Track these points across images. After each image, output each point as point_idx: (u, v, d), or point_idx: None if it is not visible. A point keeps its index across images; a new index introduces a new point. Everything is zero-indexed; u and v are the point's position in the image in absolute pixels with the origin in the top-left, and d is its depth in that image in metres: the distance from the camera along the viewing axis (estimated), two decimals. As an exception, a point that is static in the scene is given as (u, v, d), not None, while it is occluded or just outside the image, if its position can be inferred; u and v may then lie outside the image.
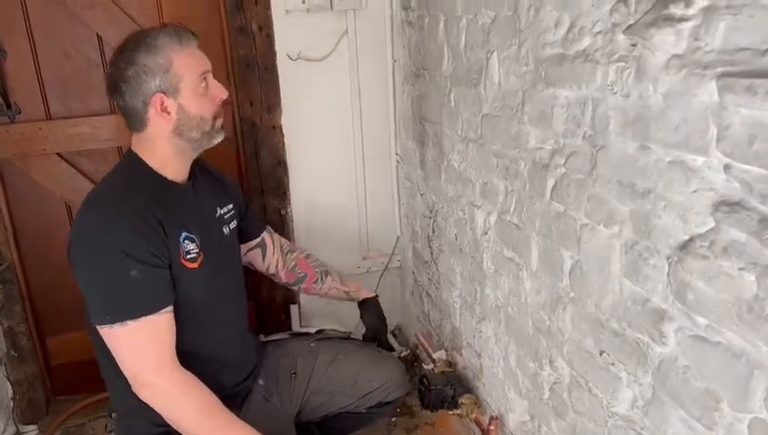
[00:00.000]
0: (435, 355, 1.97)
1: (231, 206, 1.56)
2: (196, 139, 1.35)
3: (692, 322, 0.87)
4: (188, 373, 1.31)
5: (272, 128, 2.09)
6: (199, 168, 1.49)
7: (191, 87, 1.30)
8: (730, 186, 0.78)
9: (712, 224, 0.81)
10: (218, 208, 1.51)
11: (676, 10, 0.82)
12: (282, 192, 2.16)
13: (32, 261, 2.07)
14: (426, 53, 1.84)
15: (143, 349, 1.26)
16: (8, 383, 2.03)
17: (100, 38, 1.94)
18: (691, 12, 0.80)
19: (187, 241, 1.35)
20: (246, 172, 2.15)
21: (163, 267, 1.28)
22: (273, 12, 1.99)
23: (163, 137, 1.33)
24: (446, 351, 1.97)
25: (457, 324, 1.85)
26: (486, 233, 1.55)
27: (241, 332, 1.58)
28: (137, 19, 1.95)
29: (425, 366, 1.96)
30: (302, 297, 2.33)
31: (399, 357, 1.92)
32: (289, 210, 2.20)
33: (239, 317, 1.58)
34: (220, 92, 1.36)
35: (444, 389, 1.73)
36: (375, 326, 1.81)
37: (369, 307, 1.82)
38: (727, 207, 0.78)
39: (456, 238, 1.77)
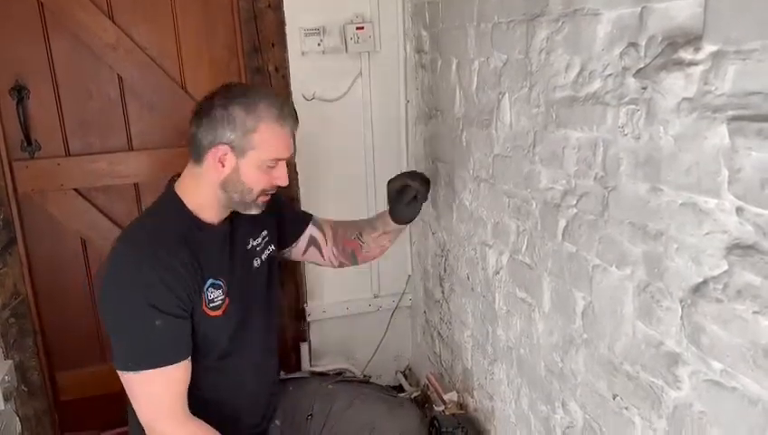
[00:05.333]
0: (446, 396, 1.94)
1: (265, 233, 1.56)
2: (236, 200, 1.37)
3: (707, 366, 0.86)
4: (200, 422, 1.32)
5: (286, 166, 2.12)
6: None
7: (258, 159, 1.32)
8: (743, 229, 0.77)
9: (725, 267, 0.81)
10: (251, 240, 1.51)
11: (686, 55, 0.83)
12: (294, 229, 2.17)
13: (45, 295, 2.08)
14: (438, 95, 1.87)
15: (158, 397, 1.29)
16: (17, 419, 2.02)
17: (121, 78, 2.00)
18: (700, 57, 0.81)
19: (211, 289, 1.36)
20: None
21: (185, 318, 1.30)
22: (289, 54, 2.04)
23: (211, 182, 1.35)
24: (458, 392, 1.94)
25: (469, 365, 1.83)
26: (498, 273, 1.54)
27: (265, 373, 1.57)
28: (157, 59, 2.00)
29: (435, 408, 1.93)
30: (312, 336, 2.33)
31: (409, 398, 1.89)
32: (301, 247, 2.21)
33: (265, 359, 1.56)
34: (281, 180, 1.38)
35: (455, 431, 1.70)
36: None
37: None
38: (740, 250, 0.78)
39: (468, 278, 1.76)
